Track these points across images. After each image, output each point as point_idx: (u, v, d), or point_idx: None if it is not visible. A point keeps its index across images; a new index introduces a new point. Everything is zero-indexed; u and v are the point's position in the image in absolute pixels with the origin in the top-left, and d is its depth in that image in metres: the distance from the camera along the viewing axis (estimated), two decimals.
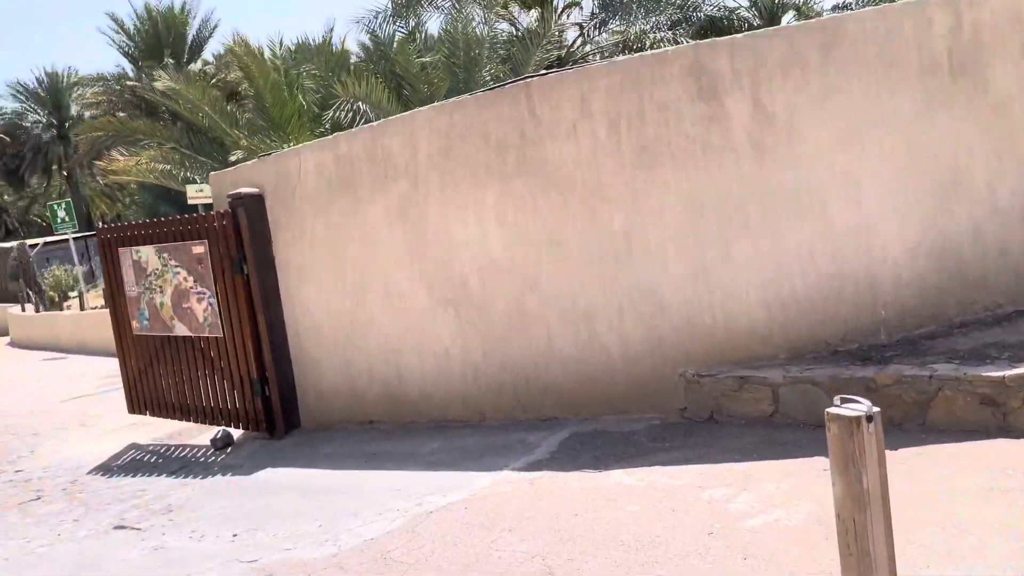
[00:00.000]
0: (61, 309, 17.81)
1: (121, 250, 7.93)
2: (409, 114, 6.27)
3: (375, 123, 6.68)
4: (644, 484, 4.35)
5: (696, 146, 5.25)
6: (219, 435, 7.25)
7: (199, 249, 7.18)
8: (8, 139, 47.49)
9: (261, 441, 7.06)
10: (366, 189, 6.50)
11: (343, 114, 12.19)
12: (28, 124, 47.96)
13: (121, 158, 14.69)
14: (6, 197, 49.82)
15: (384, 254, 6.47)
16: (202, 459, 6.99)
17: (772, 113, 5.25)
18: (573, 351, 5.68)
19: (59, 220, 17.09)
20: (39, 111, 47.65)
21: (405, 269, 6.38)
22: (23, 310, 19.28)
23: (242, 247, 6.94)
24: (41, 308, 18.84)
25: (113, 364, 13.19)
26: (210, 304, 7.20)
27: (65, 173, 47.69)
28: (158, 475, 6.68)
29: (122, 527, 5.26)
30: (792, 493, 3.94)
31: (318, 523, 4.66)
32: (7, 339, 19.12)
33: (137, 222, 7.81)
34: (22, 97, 47.33)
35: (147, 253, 7.67)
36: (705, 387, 5.17)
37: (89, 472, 7.19)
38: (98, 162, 20.13)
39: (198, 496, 5.75)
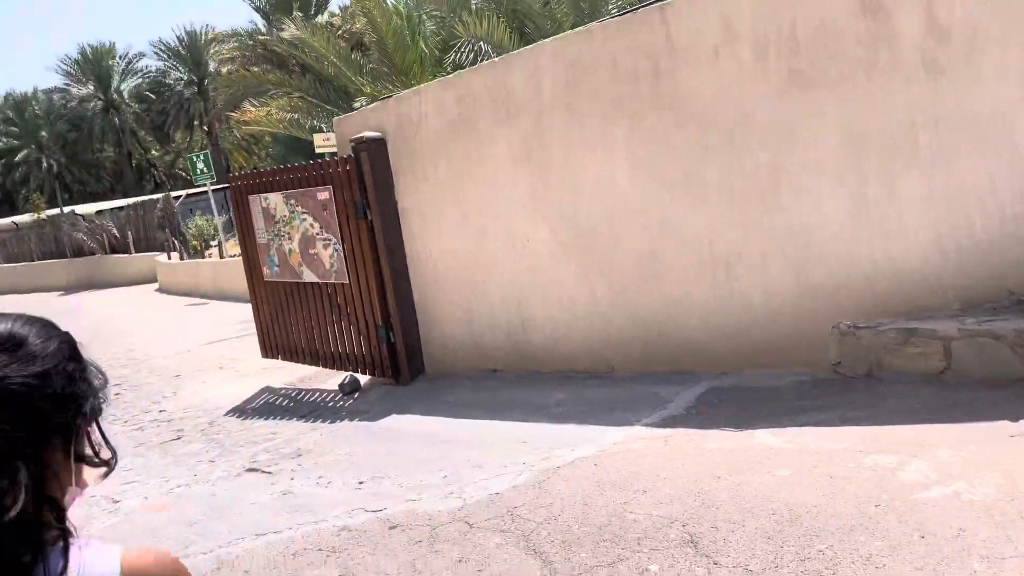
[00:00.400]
0: (203, 257, 18.76)
1: (251, 197, 8.05)
2: (533, 47, 5.90)
3: (497, 59, 6.35)
4: (794, 447, 3.93)
5: (858, 68, 4.62)
6: (347, 380, 7.29)
7: (324, 195, 7.15)
8: (153, 96, 50.40)
9: (386, 387, 7.05)
10: (488, 129, 6.21)
11: (464, 55, 11.91)
12: (171, 81, 50.66)
13: (252, 109, 15.10)
14: (154, 152, 53.12)
15: (506, 197, 6.20)
16: (331, 404, 7.06)
17: (948, 28, 4.54)
18: (710, 300, 5.25)
19: (198, 171, 17.84)
20: (180, 68, 50.17)
21: (528, 212, 6.09)
22: (169, 258, 20.45)
23: (365, 192, 6.85)
24: (185, 256, 19.92)
25: (249, 309, 13.77)
26: (336, 250, 7.19)
27: (205, 128, 50.16)
28: (289, 419, 6.79)
29: (253, 470, 5.34)
30: (973, 462, 3.42)
31: (443, 473, 4.52)
32: (156, 286, 20.37)
33: (265, 169, 7.89)
34: (164, 56, 49.95)
35: (275, 200, 7.74)
36: (863, 340, 4.64)
37: (226, 414, 7.43)
38: (231, 114, 20.88)
39: (326, 441, 5.77)
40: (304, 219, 7.44)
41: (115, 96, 50.44)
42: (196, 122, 51.00)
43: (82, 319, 16.51)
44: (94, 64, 49.80)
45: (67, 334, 1.12)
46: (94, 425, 1.08)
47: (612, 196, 5.57)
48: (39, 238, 27.01)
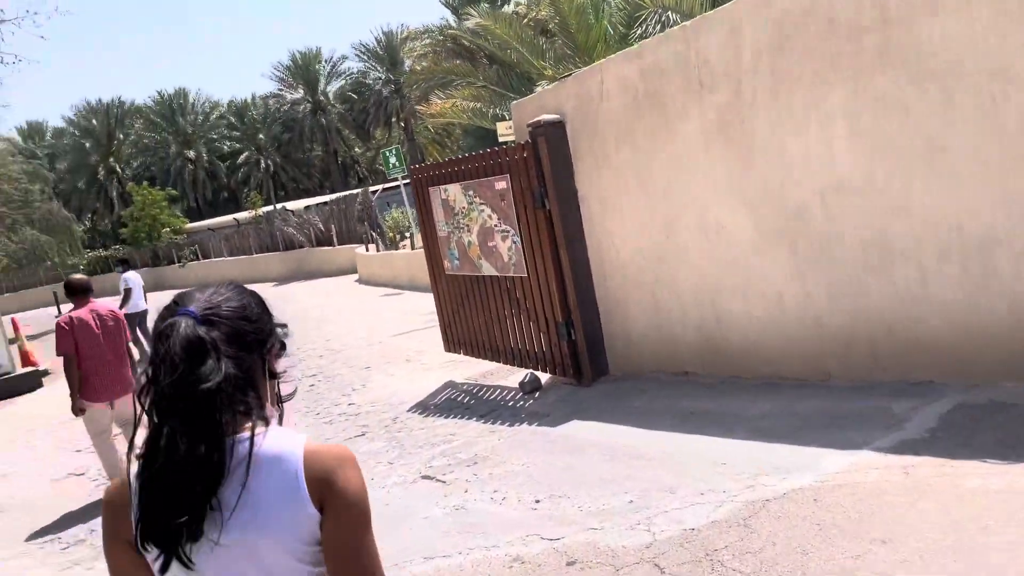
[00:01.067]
0: (397, 249, 19.39)
1: (431, 189, 7.88)
2: (730, 4, 5.14)
3: (687, 23, 5.63)
4: None
5: None
6: (527, 379, 6.92)
7: (501, 184, 6.79)
8: (355, 96, 53.45)
9: (568, 388, 6.59)
10: (677, 104, 5.53)
11: (651, 27, 11.18)
12: (370, 81, 53.48)
13: (439, 102, 15.27)
14: (356, 149, 56.42)
15: (699, 179, 5.50)
16: (510, 403, 6.72)
17: None
18: (957, 294, 4.28)
19: (391, 165, 18.39)
20: (379, 68, 52.82)
21: (724, 196, 5.35)
22: (367, 250, 21.36)
23: (543, 179, 6.40)
24: (382, 248, 20.68)
25: None
26: (514, 242, 6.82)
27: (402, 124, 52.52)
28: (468, 418, 6.53)
29: (428, 477, 5.08)
30: None
31: (628, 497, 3.97)
32: (356, 276, 21.35)
33: (444, 160, 7.69)
34: (364, 57, 52.83)
35: (454, 191, 7.50)
36: None
37: (409, 410, 7.32)
38: (420, 107, 21.38)
39: (503, 448, 5.40)
40: (482, 210, 7.14)
41: (322, 98, 54.09)
42: (393, 119, 53.55)
43: (291, 307, 17.59)
44: (303, 69, 53.66)
45: (255, 293, 1.55)
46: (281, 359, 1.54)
47: (828, 173, 4.72)
48: (256, 233, 29.34)
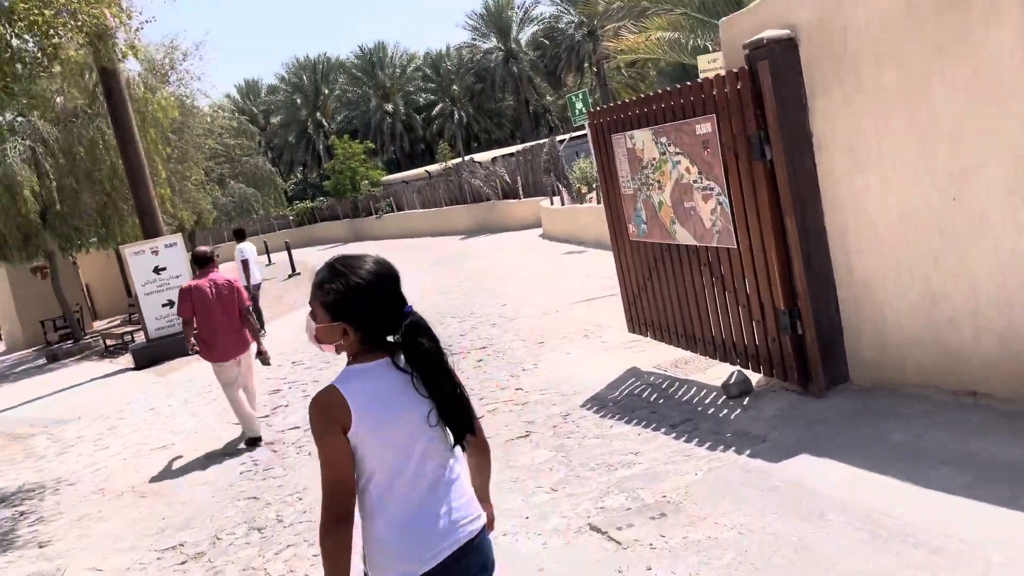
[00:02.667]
0: (583, 202, 18.07)
1: (614, 137, 6.44)
2: None
3: None
4: None
5: None
6: (733, 379, 5.40)
7: (705, 128, 5.22)
8: (547, 42, 52.15)
9: (789, 397, 5.01)
10: (982, 2, 3.69)
11: None
12: (562, 25, 51.88)
13: (630, 36, 13.61)
14: (548, 97, 55.32)
15: (1013, 114, 3.66)
16: (711, 411, 5.24)
17: None
18: None
19: (577, 111, 16.97)
20: (571, 11, 51.04)
21: None
22: (551, 203, 20.21)
23: (763, 120, 4.77)
24: (568, 201, 19.45)
25: None
26: (719, 203, 5.26)
27: (594, 69, 50.64)
28: (655, 427, 5.14)
29: (598, 530, 3.77)
30: None
31: None
32: (539, 231, 20.32)
33: (630, 99, 6.21)
34: (557, 0, 51.19)
35: (642, 138, 6.02)
36: None
37: (584, 403, 6.06)
38: (608, 44, 19.65)
39: (703, 490, 3.98)
40: (678, 162, 5.61)
41: (513, 45, 53.31)
42: (586, 64, 51.75)
43: (470, 264, 16.88)
44: (495, 16, 53.04)
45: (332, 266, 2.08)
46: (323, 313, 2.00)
47: None
48: (446, 185, 29.16)
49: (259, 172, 27.42)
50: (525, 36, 54.48)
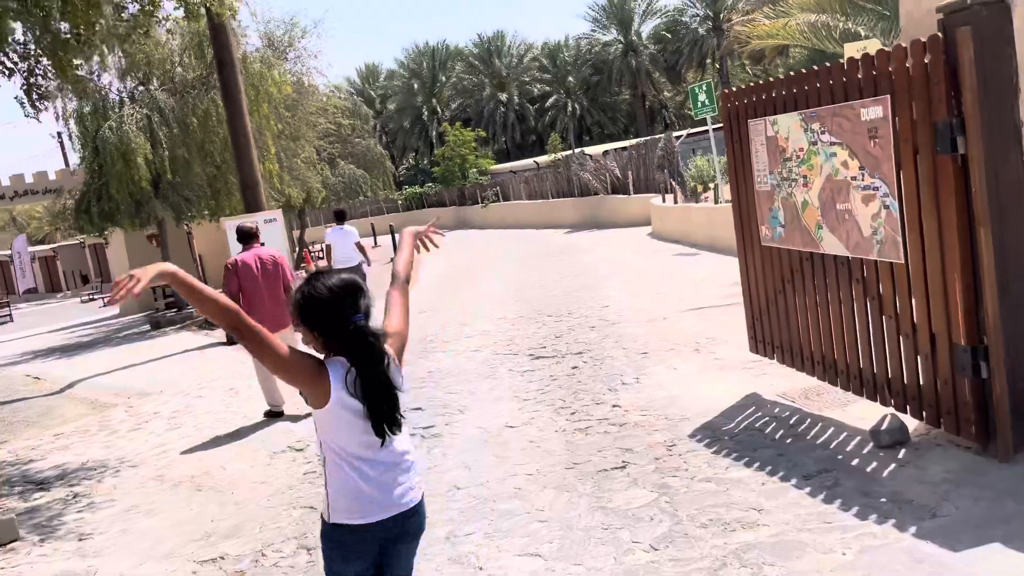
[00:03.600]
0: (697, 201, 16.91)
1: (751, 123, 5.47)
2: None
3: None
4: None
5: None
6: (885, 425, 4.38)
7: (874, 112, 4.21)
8: (669, 36, 50.50)
9: (962, 457, 3.96)
10: None
11: None
12: (687, 19, 50.09)
13: (766, 21, 12.39)
14: (665, 93, 53.65)
15: None
16: (855, 463, 4.25)
17: None
18: None
19: (699, 104, 15.85)
20: (696, 4, 49.18)
21: None
22: (663, 201, 19.10)
23: (957, 104, 3.73)
24: (681, 199, 18.30)
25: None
26: (886, 206, 4.24)
27: (717, 65, 48.68)
28: (784, 477, 4.20)
29: None
30: None
31: None
32: (648, 229, 19.26)
33: (775, 79, 5.24)
34: None
35: (787, 125, 5.04)
36: None
37: (692, 433, 5.17)
38: (740, 28, 18.30)
39: None
40: (833, 154, 4.61)
41: (634, 38, 51.92)
42: (708, 60, 49.81)
43: (574, 260, 16.06)
44: (618, 8, 51.77)
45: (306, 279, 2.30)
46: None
47: None
48: (554, 177, 28.40)
49: (370, 154, 27.38)
50: (646, 29, 53.01)
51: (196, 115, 15.91)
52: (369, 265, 12.52)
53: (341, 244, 12.28)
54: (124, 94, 16.63)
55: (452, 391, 7.21)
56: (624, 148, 26.57)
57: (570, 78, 53.13)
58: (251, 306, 6.82)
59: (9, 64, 7.08)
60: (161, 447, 6.86)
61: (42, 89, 7.29)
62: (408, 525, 2.37)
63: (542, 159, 35.65)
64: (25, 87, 7.27)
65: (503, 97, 53.24)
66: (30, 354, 15.60)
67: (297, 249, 26.15)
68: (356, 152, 26.96)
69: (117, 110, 15.69)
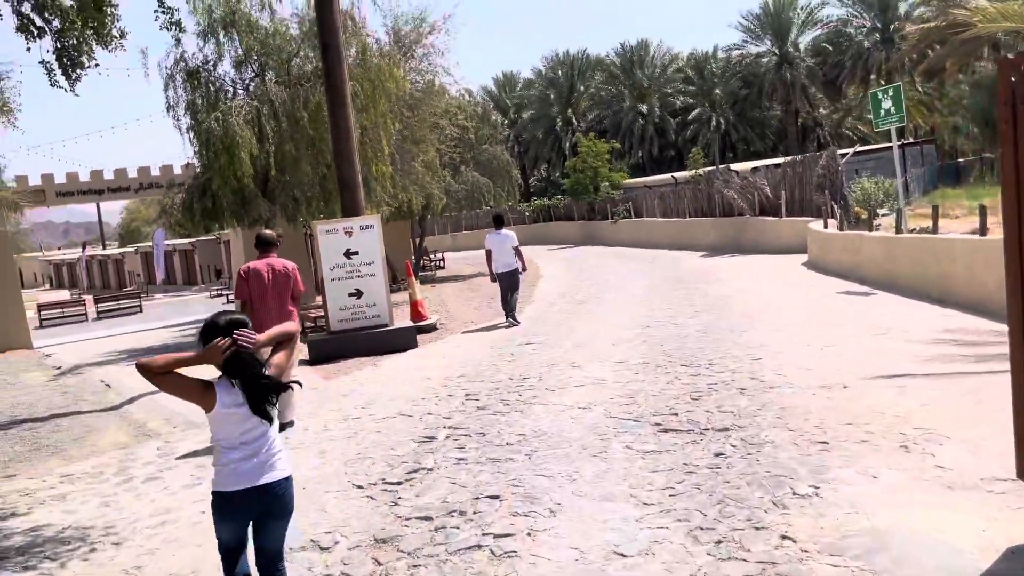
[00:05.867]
0: (869, 229, 14.18)
1: None
2: None
3: None
4: None
5: None
6: None
7: None
8: (830, 48, 46.52)
9: None
10: None
11: None
12: (851, 30, 46.01)
13: (987, 4, 9.76)
14: (821, 110, 49.55)
15: None
16: None
17: None
18: None
19: (881, 112, 13.19)
20: (864, 15, 45.06)
21: None
22: (824, 226, 16.38)
23: None
24: (845, 225, 15.57)
25: (947, 319, 8.78)
26: None
27: (882, 81, 44.31)
28: None
29: None
30: None
31: None
32: (803, 258, 16.60)
33: None
34: (848, 2, 45.41)
35: None
36: None
37: None
38: (956, 11, 15.26)
39: None
40: None
41: (790, 50, 48.26)
42: (872, 75, 45.46)
43: (711, 289, 13.73)
44: (773, 18, 48.29)
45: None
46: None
47: None
48: (692, 194, 25.95)
49: (496, 162, 25.93)
50: (804, 40, 49.13)
51: (307, 109, 14.79)
52: (524, 271, 12.53)
53: (500, 249, 12.25)
54: (239, 85, 15.78)
55: (545, 471, 5.28)
56: (777, 165, 23.77)
57: (716, 91, 50.02)
58: (258, 314, 6.86)
59: (39, 22, 5.77)
60: (165, 514, 5.30)
61: (75, 55, 5.94)
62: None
63: (681, 174, 33.14)
64: (56, 51, 5.95)
65: (643, 108, 50.82)
66: (126, 353, 14.92)
67: (414, 259, 25.09)
68: (482, 159, 25.57)
69: (228, 100, 14.80)
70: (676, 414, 6.27)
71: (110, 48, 5.94)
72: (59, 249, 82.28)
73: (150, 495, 5.74)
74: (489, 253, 12.31)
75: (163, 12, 5.80)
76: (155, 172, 21.31)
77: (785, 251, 18.56)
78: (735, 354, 8.20)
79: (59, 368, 13.83)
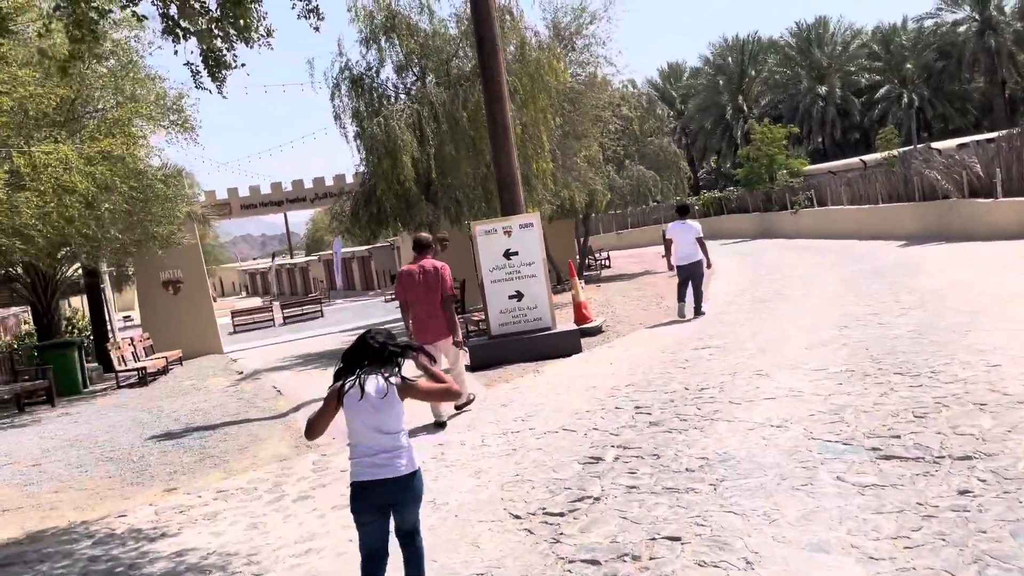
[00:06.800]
0: None
1: None
2: None
3: None
4: None
5: None
6: None
7: None
8: None
9: None
10: None
11: None
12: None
13: None
14: None
15: None
16: None
17: None
18: None
19: None
20: None
21: None
22: None
23: None
24: None
25: None
26: None
27: None
28: None
29: None
30: None
31: None
32: None
33: None
34: None
35: None
36: None
37: None
38: None
39: None
40: None
41: (993, 14, 43.11)
42: None
43: (917, 283, 11.96)
44: None
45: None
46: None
47: None
48: (885, 177, 23.46)
49: (663, 154, 24.67)
50: (1011, 3, 43.73)
51: (467, 109, 14.49)
52: (709, 267, 12.07)
53: (682, 239, 11.76)
54: (400, 89, 15.79)
55: (735, 507, 4.36)
56: (990, 140, 20.93)
57: (907, 65, 45.61)
58: (414, 314, 7.34)
59: (184, 23, 5.59)
60: (310, 540, 4.90)
61: (221, 54, 5.72)
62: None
63: (869, 157, 30.30)
64: (202, 52, 5.76)
65: (822, 90, 47.27)
66: (301, 358, 15.31)
67: (578, 258, 24.40)
68: (647, 152, 24.42)
69: (390, 105, 14.81)
70: (898, 436, 5.12)
71: (252, 46, 5.68)
72: (254, 260, 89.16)
73: (299, 516, 5.39)
74: (670, 242, 12.00)
75: None
76: (329, 182, 22.03)
77: (1003, 236, 16.14)
78: (963, 359, 6.80)
79: (241, 373, 14.36)
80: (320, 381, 11.28)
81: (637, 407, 6.93)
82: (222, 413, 10.10)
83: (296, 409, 9.53)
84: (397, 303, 7.61)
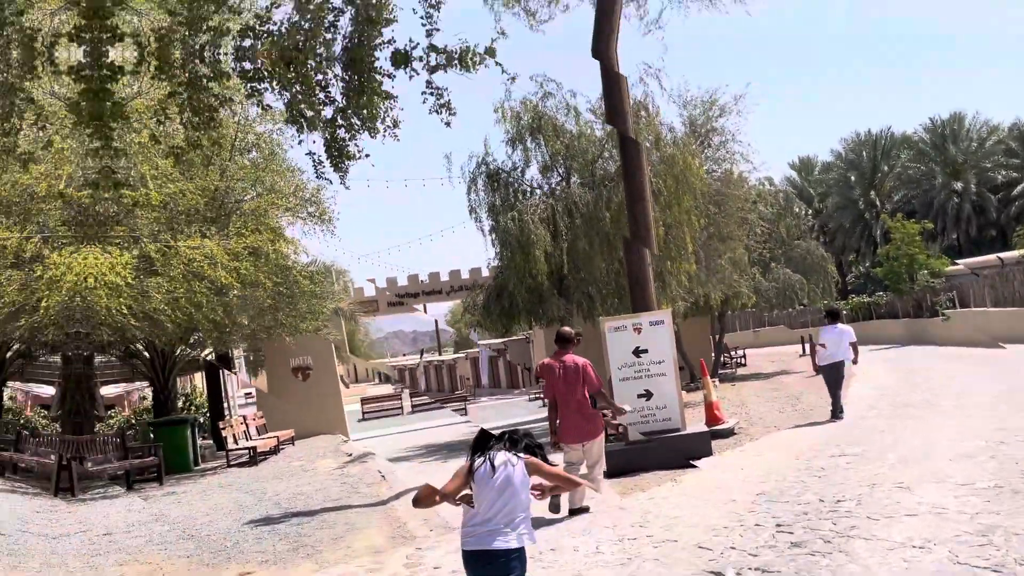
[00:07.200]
0: None
1: None
2: None
3: None
4: None
5: None
6: None
7: None
8: None
9: None
10: None
11: None
12: None
13: None
14: None
15: None
16: None
17: None
18: None
19: None
20: None
21: None
22: None
23: None
24: None
25: None
26: None
27: None
28: None
29: None
30: None
31: None
32: None
33: None
34: None
35: None
36: None
37: None
38: None
39: None
40: None
41: None
42: None
43: None
44: None
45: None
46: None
47: None
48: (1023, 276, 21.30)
49: (810, 257, 23.60)
50: None
51: (610, 209, 14.44)
52: (856, 363, 12.22)
53: (837, 346, 11.64)
54: (544, 189, 15.97)
55: None
56: None
57: None
58: (558, 412, 7.37)
59: (310, 112, 5.79)
60: None
61: (344, 144, 5.87)
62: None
63: (1007, 255, 27.82)
64: (326, 142, 5.92)
65: (957, 186, 44.41)
66: (423, 449, 15.24)
67: (714, 355, 23.28)
68: (794, 255, 23.43)
69: (524, 200, 15.01)
70: None
71: (376, 136, 5.79)
72: (403, 356, 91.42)
73: None
74: (822, 347, 11.77)
75: (431, 93, 5.50)
76: (464, 275, 22.48)
77: None
78: None
79: (349, 455, 14.42)
80: (429, 474, 11.07)
81: (778, 525, 6.20)
82: (324, 497, 10.07)
83: (397, 497, 9.39)
84: (544, 401, 7.49)
